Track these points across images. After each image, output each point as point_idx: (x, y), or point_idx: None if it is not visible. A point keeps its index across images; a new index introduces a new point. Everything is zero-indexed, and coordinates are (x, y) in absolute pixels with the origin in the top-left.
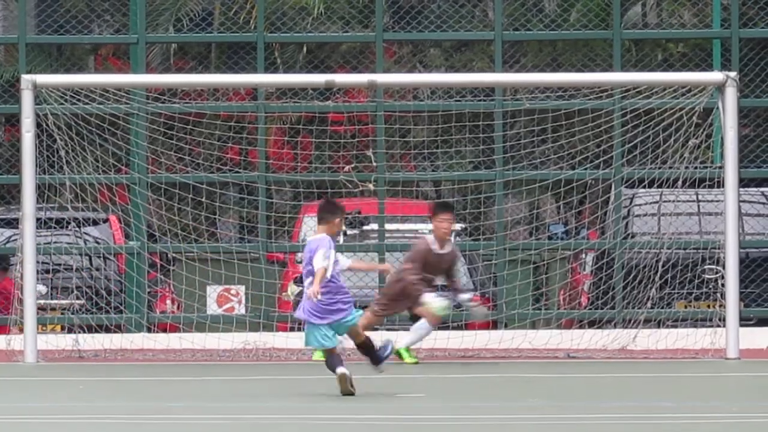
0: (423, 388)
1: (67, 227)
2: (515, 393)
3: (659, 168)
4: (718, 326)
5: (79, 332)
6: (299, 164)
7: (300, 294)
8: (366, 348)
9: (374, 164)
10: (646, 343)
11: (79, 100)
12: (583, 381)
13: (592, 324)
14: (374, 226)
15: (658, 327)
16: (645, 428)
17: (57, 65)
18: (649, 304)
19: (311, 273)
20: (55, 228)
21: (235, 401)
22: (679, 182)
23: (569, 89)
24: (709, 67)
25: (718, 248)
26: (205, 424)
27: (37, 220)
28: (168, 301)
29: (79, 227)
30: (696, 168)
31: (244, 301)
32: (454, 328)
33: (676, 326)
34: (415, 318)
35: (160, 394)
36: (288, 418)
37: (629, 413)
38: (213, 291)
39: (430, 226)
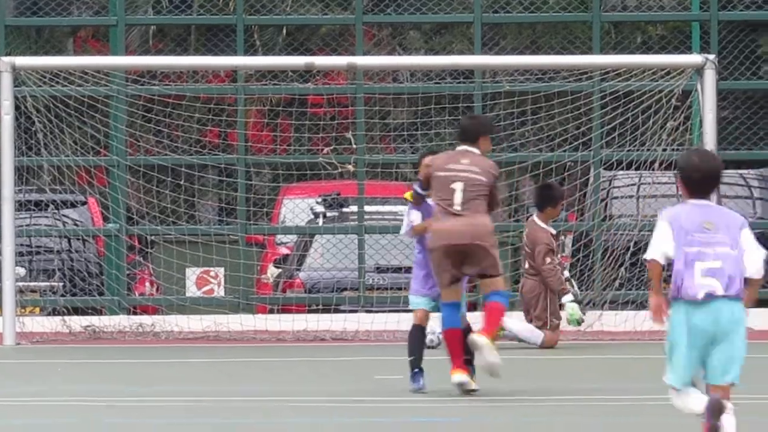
0: (402, 370)
1: (45, 210)
2: (486, 375)
3: (638, 150)
4: None
5: (59, 315)
6: (279, 146)
7: (280, 276)
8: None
9: (354, 146)
10: (616, 324)
11: (57, 82)
12: (559, 363)
13: None
14: (354, 208)
15: (640, 309)
16: (624, 409)
17: (36, 47)
18: (617, 284)
19: None
20: (33, 210)
21: (214, 384)
22: (657, 164)
23: (549, 72)
24: (687, 50)
25: None
26: (184, 406)
27: (16, 202)
28: (147, 284)
29: (58, 210)
30: (675, 150)
31: (223, 282)
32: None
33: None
34: None
35: (139, 377)
36: (266, 401)
37: (600, 395)
38: (192, 273)
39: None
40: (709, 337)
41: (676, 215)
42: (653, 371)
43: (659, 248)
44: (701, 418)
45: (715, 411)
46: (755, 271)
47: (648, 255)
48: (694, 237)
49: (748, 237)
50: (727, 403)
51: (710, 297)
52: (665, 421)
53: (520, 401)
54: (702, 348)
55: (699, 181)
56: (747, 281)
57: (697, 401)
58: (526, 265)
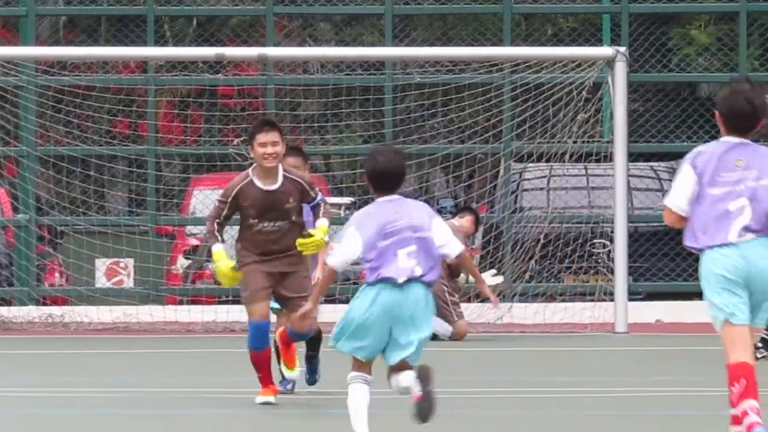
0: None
1: None
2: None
3: (548, 142)
4: (607, 300)
5: None
6: (189, 137)
7: (189, 267)
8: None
9: None
10: (525, 317)
11: None
12: (469, 355)
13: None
14: None
15: (550, 301)
16: (533, 402)
17: None
18: (527, 276)
19: None
20: None
21: (124, 375)
22: (567, 156)
23: (459, 63)
24: (598, 42)
25: (607, 222)
26: (94, 397)
27: None
28: (56, 274)
29: None
30: (585, 142)
31: (132, 273)
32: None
33: (565, 300)
34: None
35: (49, 368)
36: (175, 392)
37: (518, 387)
38: (102, 264)
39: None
40: (397, 316)
41: (364, 217)
42: (563, 363)
43: (340, 256)
44: (411, 392)
45: (424, 378)
46: (455, 250)
47: (330, 262)
48: (388, 229)
49: (438, 224)
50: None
51: (408, 279)
52: (577, 413)
53: None
54: (390, 326)
55: (385, 179)
56: (458, 260)
57: (357, 422)
58: None
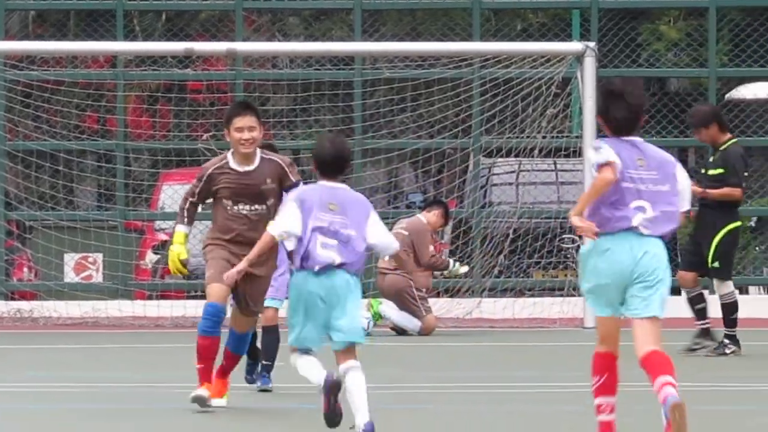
0: (284, 356)
1: None
2: (364, 363)
3: (517, 137)
4: (576, 295)
5: None
6: (158, 132)
7: (158, 262)
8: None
9: None
10: (494, 312)
11: None
12: (438, 350)
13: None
14: None
15: (519, 296)
16: (502, 397)
17: None
18: (496, 271)
19: None
20: None
21: (92, 370)
22: (536, 151)
23: (429, 58)
24: (568, 37)
25: None
26: (62, 392)
27: None
28: (25, 269)
29: None
30: (554, 137)
31: (101, 268)
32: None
33: (534, 295)
34: None
35: (18, 363)
36: (145, 387)
37: (486, 382)
38: (71, 259)
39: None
40: (324, 302)
41: (304, 195)
42: (532, 358)
43: (281, 226)
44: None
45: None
46: (389, 251)
47: (270, 230)
48: (318, 215)
49: (374, 224)
50: (352, 362)
51: (327, 267)
52: (546, 409)
53: (397, 388)
54: (320, 312)
55: (329, 164)
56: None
57: (315, 374)
58: (386, 262)
